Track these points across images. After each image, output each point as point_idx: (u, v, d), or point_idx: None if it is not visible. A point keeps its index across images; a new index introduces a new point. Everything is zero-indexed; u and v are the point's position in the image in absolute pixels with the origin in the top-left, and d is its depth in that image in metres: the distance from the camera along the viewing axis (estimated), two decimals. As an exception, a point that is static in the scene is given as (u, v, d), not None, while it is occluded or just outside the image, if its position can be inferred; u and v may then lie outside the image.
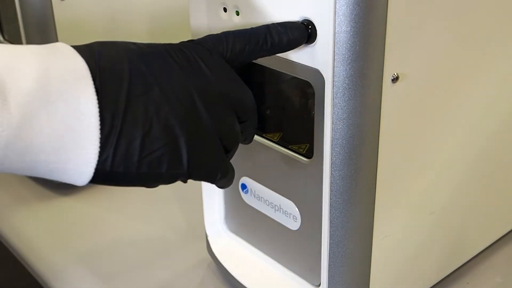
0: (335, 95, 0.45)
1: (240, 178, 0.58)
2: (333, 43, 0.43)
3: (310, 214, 0.52)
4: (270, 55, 0.47)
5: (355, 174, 0.47)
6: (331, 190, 0.48)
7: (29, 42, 0.72)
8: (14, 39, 0.83)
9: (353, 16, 0.42)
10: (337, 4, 0.42)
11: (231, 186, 0.60)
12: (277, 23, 0.45)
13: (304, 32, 0.45)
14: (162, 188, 0.83)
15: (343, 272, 0.50)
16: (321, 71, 0.45)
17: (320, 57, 0.45)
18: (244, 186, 0.59)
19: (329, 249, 0.50)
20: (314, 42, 0.45)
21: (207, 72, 0.43)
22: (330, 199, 0.48)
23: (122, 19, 0.78)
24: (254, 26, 0.46)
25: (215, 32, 0.54)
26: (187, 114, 0.42)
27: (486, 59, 0.55)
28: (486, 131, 0.58)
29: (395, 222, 0.52)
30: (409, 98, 0.48)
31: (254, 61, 0.51)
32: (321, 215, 0.51)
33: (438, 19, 0.48)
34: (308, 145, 0.52)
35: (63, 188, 0.82)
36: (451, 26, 0.49)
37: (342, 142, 0.46)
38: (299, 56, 0.47)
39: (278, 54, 0.49)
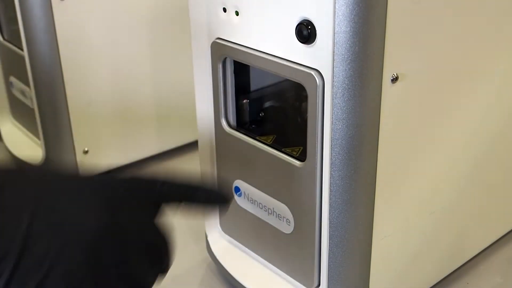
0: (334, 95, 0.44)
1: (233, 181, 0.58)
2: (332, 44, 0.43)
3: (304, 218, 0.52)
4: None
5: (355, 174, 0.47)
6: (330, 190, 0.48)
7: (29, 42, 0.72)
8: (14, 40, 0.83)
9: (352, 16, 0.42)
10: (336, 4, 0.42)
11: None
12: (205, 187, 0.44)
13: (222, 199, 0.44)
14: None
15: (343, 272, 0.50)
16: (320, 71, 0.45)
17: (319, 58, 0.45)
18: (237, 189, 0.58)
19: (329, 249, 0.50)
20: (314, 43, 0.45)
21: (119, 215, 0.39)
22: (330, 199, 0.48)
23: (122, 19, 0.77)
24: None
25: (214, 32, 0.54)
26: (93, 262, 0.36)
27: (486, 59, 0.55)
28: (486, 131, 0.58)
29: (395, 222, 0.52)
30: (408, 98, 0.48)
31: (246, 63, 0.51)
32: (315, 219, 0.50)
33: (438, 19, 0.48)
34: (301, 148, 0.52)
35: (63, 188, 0.82)
36: (450, 27, 0.49)
37: (342, 142, 0.46)
38: (299, 56, 0.47)
39: (275, 55, 0.49)
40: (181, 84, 0.85)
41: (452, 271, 0.63)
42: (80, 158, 0.79)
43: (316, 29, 0.44)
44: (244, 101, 0.58)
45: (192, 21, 0.55)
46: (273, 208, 0.55)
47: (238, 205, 0.59)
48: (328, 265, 0.51)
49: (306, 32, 0.45)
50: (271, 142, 0.54)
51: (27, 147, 0.85)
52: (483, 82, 0.55)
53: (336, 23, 0.43)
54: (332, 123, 0.45)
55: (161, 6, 0.80)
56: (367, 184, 0.48)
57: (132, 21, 0.79)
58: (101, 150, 0.81)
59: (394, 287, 0.56)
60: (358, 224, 0.49)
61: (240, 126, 0.57)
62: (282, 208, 0.54)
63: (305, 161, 0.50)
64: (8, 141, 0.89)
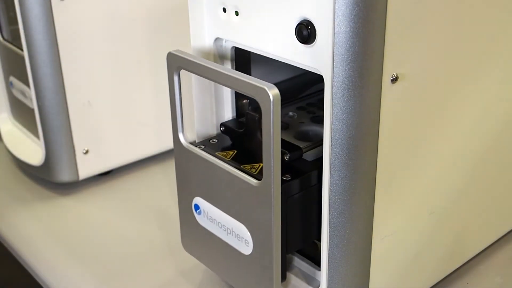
0: (334, 96, 0.44)
1: (193, 198, 0.56)
2: (332, 44, 0.43)
3: (262, 239, 0.50)
4: None
5: (355, 174, 0.47)
6: (330, 190, 0.48)
7: (29, 42, 0.72)
8: (14, 40, 0.83)
9: (352, 16, 0.42)
10: (336, 4, 0.42)
11: (185, 206, 0.57)
12: None
13: None
14: (162, 188, 0.83)
15: (343, 272, 0.50)
16: (320, 71, 0.45)
17: (319, 58, 0.45)
18: (197, 207, 0.56)
19: (329, 249, 0.50)
20: (314, 43, 0.45)
21: None
22: (330, 199, 0.48)
23: (122, 19, 0.77)
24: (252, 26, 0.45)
25: (213, 32, 0.54)
26: None
27: (486, 59, 0.55)
28: (485, 131, 0.58)
29: (394, 222, 0.52)
30: (408, 98, 0.48)
31: (200, 75, 0.49)
32: (272, 240, 0.48)
33: (438, 19, 0.48)
34: (261, 164, 0.49)
35: (63, 188, 0.82)
36: (450, 26, 0.49)
37: (342, 142, 0.46)
38: (299, 56, 0.47)
39: (271, 54, 0.49)
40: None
41: (452, 271, 0.63)
42: (80, 158, 0.79)
43: (316, 29, 0.44)
44: (244, 101, 0.58)
45: (191, 21, 0.55)
46: (232, 228, 0.52)
47: (198, 223, 0.57)
48: (328, 265, 0.51)
49: (306, 32, 0.45)
50: (230, 158, 0.53)
51: (27, 147, 0.85)
52: (483, 82, 0.55)
53: (336, 23, 0.43)
54: (332, 123, 0.45)
55: (161, 6, 0.80)
56: (367, 184, 0.48)
57: (132, 21, 0.78)
58: (101, 150, 0.81)
59: (394, 287, 0.56)
60: (358, 224, 0.49)
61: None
62: (241, 228, 0.51)
63: (262, 180, 0.47)
64: (8, 141, 0.89)
